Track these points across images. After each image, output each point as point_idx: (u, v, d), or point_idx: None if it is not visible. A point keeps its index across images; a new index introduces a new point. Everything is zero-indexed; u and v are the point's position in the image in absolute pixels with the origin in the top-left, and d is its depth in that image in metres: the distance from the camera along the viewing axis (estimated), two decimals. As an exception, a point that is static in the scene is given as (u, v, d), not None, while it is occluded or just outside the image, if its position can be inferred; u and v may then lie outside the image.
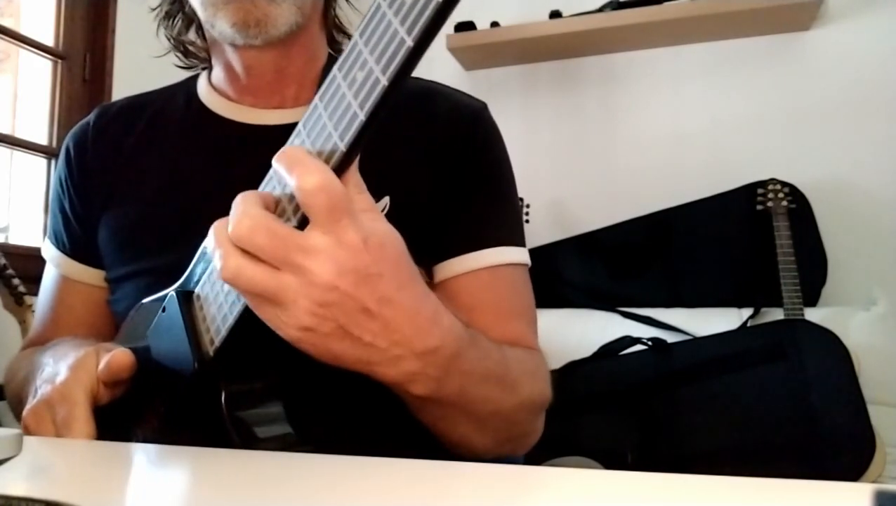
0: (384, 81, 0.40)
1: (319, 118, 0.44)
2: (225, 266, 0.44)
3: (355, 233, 0.43)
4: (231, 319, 0.49)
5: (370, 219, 0.45)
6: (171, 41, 0.83)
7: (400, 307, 0.46)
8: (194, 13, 0.74)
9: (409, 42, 0.38)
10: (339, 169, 0.43)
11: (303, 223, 0.44)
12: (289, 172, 0.43)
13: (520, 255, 0.72)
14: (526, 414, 0.64)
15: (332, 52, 0.80)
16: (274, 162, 0.45)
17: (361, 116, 0.41)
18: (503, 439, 0.63)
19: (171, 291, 0.56)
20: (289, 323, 0.44)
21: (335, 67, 0.43)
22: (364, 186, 0.46)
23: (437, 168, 0.70)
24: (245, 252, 0.44)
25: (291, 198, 0.45)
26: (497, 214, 0.72)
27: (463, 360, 0.52)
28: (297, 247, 0.43)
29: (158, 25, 0.83)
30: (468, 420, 0.58)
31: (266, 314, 0.45)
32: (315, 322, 0.44)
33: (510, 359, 0.61)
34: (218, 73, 0.78)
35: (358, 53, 0.41)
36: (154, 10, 0.83)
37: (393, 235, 0.46)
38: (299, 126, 0.46)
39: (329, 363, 0.47)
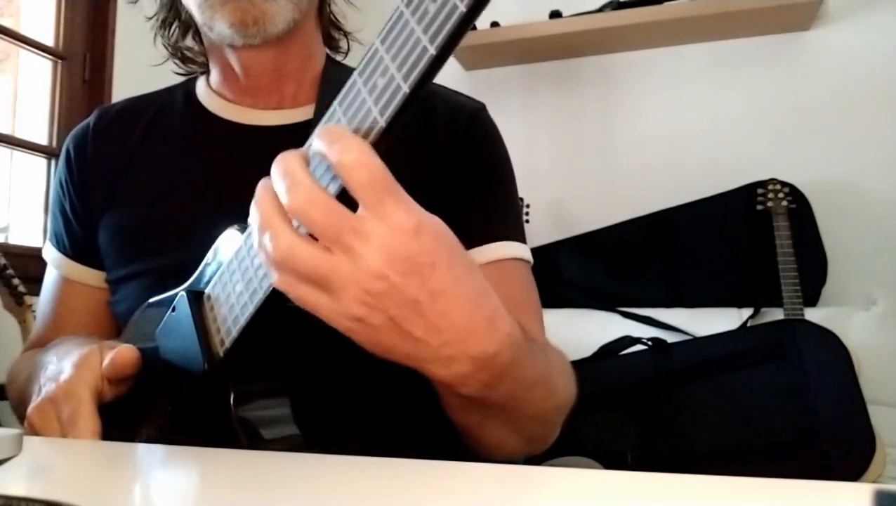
0: (405, 88, 0.40)
1: (339, 123, 0.44)
2: (277, 246, 0.42)
3: (406, 217, 0.41)
4: (243, 321, 0.49)
5: (424, 208, 0.43)
6: (169, 49, 0.83)
7: (454, 302, 0.43)
8: (191, 18, 0.74)
9: (432, 50, 0.39)
10: None
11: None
12: (329, 148, 0.41)
13: (523, 250, 0.72)
14: (559, 415, 0.63)
15: (328, 52, 0.80)
16: (314, 138, 0.43)
17: (382, 123, 0.41)
18: (534, 438, 0.62)
19: (180, 290, 0.56)
20: (339, 312, 0.42)
21: (355, 73, 0.43)
22: (398, 184, 0.44)
23: (437, 169, 0.70)
24: (294, 232, 0.42)
25: (325, 172, 0.43)
26: (499, 210, 0.72)
27: (517, 366, 0.49)
28: (350, 228, 0.40)
29: (156, 35, 0.82)
30: (508, 423, 0.56)
31: (313, 302, 0.42)
32: (365, 312, 0.42)
33: (551, 360, 0.59)
34: (216, 75, 0.78)
35: (379, 60, 0.41)
36: (151, 18, 0.83)
37: (445, 226, 0.44)
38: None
39: (380, 356, 0.45)
